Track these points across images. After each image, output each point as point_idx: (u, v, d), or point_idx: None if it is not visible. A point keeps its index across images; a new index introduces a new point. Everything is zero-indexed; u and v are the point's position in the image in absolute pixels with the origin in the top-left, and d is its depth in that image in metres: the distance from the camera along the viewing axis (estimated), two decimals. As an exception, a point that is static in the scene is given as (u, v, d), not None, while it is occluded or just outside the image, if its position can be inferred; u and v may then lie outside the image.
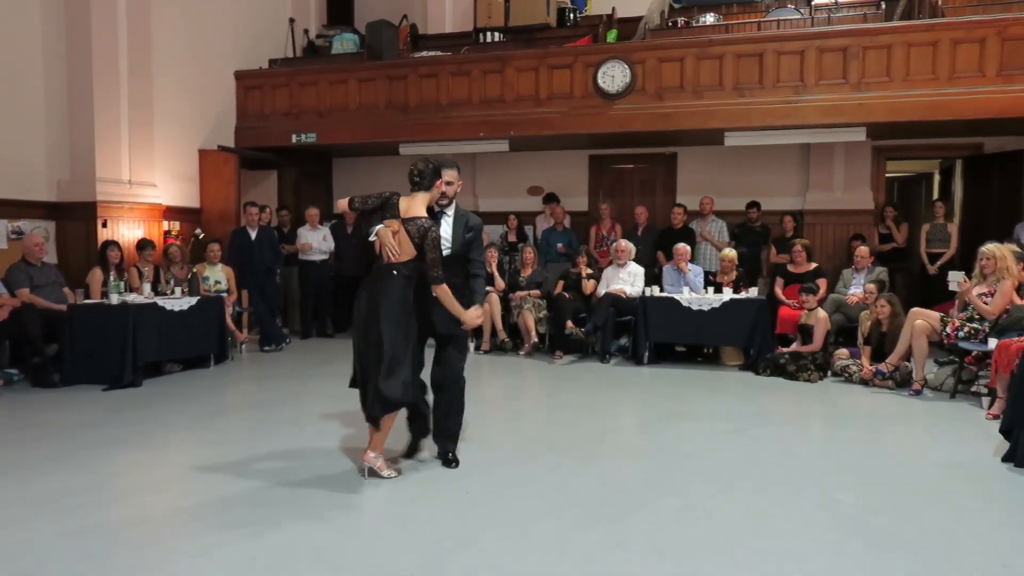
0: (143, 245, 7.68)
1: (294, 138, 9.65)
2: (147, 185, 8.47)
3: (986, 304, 5.89)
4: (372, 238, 3.83)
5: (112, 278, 6.94)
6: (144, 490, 3.88)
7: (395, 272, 3.79)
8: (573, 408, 5.74)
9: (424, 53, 9.91)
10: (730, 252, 7.99)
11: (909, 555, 3.02)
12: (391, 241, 3.77)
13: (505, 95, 9.00)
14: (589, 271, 8.24)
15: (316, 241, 9.29)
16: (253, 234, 8.56)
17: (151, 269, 7.59)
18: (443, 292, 3.85)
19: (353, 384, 4.00)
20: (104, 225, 7.83)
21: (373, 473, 3.90)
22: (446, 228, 4.05)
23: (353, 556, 3.02)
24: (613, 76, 8.56)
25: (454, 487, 3.83)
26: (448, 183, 4.03)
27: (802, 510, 3.54)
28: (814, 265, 8.06)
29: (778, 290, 8.05)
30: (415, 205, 3.85)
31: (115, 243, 7.31)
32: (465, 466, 4.17)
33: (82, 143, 7.83)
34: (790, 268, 8.11)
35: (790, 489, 3.83)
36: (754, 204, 9.10)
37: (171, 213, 8.86)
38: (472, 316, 4.02)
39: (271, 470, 4.10)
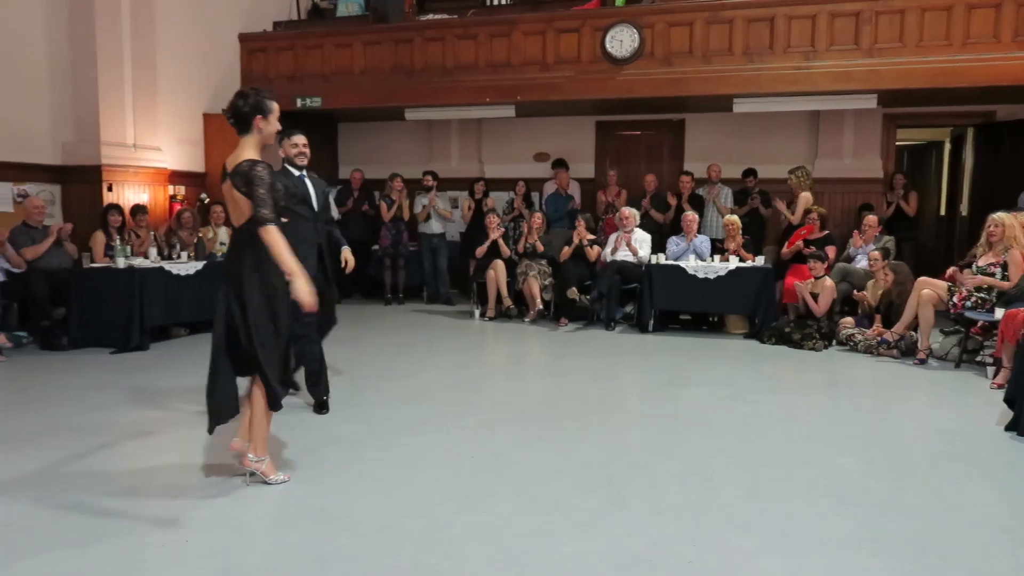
0: (136, 211, 7.63)
1: (298, 102, 9.55)
2: (152, 149, 8.43)
3: (993, 275, 5.86)
4: None
5: (118, 243, 6.95)
6: (153, 451, 3.93)
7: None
8: (577, 374, 5.76)
9: (430, 16, 9.76)
10: (733, 217, 7.94)
11: (908, 520, 3.04)
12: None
13: (512, 59, 8.88)
14: (591, 237, 8.18)
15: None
16: None
17: (151, 234, 7.56)
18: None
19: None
20: (109, 189, 7.81)
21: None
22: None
23: (357, 516, 3.06)
24: (621, 40, 8.43)
25: (458, 450, 3.87)
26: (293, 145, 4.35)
27: (803, 475, 3.56)
28: (825, 232, 8.00)
29: (787, 249, 7.98)
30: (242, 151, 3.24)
31: (117, 207, 7.30)
32: (469, 430, 4.22)
33: (86, 106, 7.77)
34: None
35: (791, 454, 3.85)
36: (751, 172, 9.02)
37: (176, 177, 8.82)
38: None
39: (279, 431, 4.14)
